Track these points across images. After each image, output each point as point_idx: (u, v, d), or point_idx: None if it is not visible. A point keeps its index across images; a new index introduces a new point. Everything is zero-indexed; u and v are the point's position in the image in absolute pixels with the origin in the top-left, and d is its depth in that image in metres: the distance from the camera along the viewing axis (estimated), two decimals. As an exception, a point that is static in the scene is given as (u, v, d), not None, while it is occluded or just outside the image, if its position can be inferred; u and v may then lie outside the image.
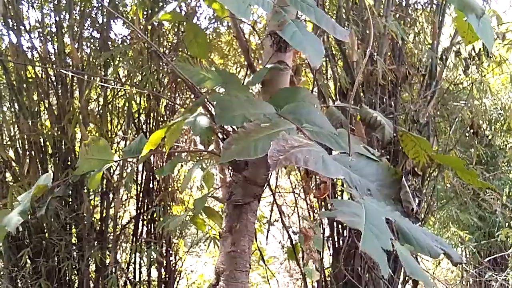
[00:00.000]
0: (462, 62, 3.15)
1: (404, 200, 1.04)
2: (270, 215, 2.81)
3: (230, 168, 1.35)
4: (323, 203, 2.91)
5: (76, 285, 3.31)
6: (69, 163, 3.17)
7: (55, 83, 3.16)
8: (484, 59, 3.14)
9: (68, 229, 3.24)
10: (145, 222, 3.49)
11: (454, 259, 0.96)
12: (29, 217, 2.99)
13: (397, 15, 3.06)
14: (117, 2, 3.14)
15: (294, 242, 1.94)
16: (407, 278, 3.02)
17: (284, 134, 0.92)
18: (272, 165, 0.80)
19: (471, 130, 3.30)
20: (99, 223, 3.32)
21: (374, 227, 0.81)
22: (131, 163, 3.02)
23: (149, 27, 3.24)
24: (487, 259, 4.34)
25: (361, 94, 2.93)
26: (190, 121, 1.14)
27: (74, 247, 3.24)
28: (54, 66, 3.14)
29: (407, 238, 0.90)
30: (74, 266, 3.18)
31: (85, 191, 3.13)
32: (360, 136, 1.44)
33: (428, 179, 3.30)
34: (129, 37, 3.26)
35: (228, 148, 0.96)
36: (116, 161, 1.35)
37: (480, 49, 3.02)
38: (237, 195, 1.31)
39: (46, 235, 3.14)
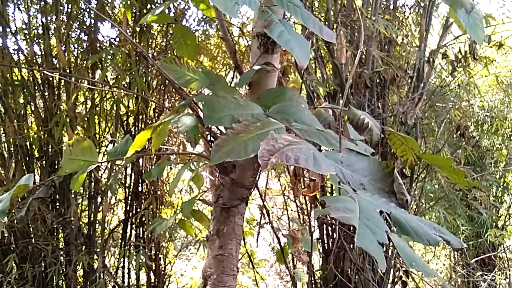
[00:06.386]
0: (449, 64, 3.18)
1: (398, 192, 1.04)
2: (260, 218, 2.80)
3: (218, 170, 1.34)
4: (313, 204, 2.91)
5: (63, 290, 3.26)
6: (56, 166, 3.13)
7: (41, 86, 3.12)
8: (470, 61, 3.17)
9: (55, 233, 3.19)
10: (134, 226, 3.46)
11: (454, 244, 0.95)
12: (15, 222, 2.95)
13: (385, 18, 3.08)
14: (104, 4, 3.11)
15: (283, 245, 1.93)
16: (396, 279, 3.03)
17: (273, 134, 0.91)
18: (263, 165, 0.79)
19: (458, 132, 3.33)
20: (87, 227, 3.28)
21: (369, 221, 0.81)
22: (120, 166, 2.99)
23: (138, 29, 3.22)
24: (475, 259, 4.38)
25: (350, 96, 2.94)
26: (175, 120, 1.13)
27: (61, 252, 3.19)
28: (41, 68, 3.10)
29: (404, 228, 0.89)
30: (61, 271, 3.13)
31: (72, 195, 3.09)
32: (348, 137, 1.43)
33: (417, 180, 3.32)
34: (117, 39, 3.23)
35: (218, 150, 0.95)
36: (101, 163, 1.32)
37: (466, 51, 3.05)
38: (224, 198, 1.30)
39: (33, 240, 3.09)
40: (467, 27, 1.08)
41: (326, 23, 2.83)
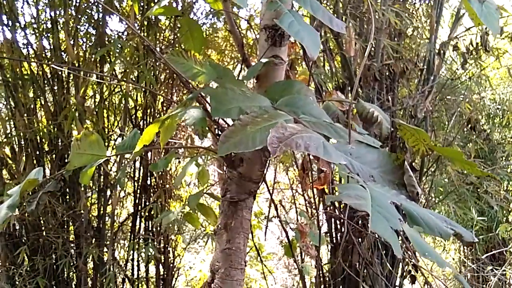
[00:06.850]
0: (460, 56, 3.13)
1: (408, 184, 1.03)
2: (269, 212, 2.80)
3: (225, 164, 1.34)
4: (321, 198, 2.90)
5: (74, 282, 3.30)
6: (65, 160, 3.15)
7: (51, 80, 3.14)
8: (482, 53, 3.12)
9: (65, 226, 3.22)
10: (143, 219, 3.48)
11: (465, 238, 0.94)
12: (26, 215, 2.98)
13: (396, 6, 3.03)
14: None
15: (291, 239, 1.93)
16: (404, 273, 3.02)
17: (282, 122, 0.90)
18: (272, 151, 0.79)
19: (469, 125, 3.29)
20: (97, 220, 3.31)
21: (382, 209, 0.80)
22: (128, 160, 3.00)
23: (145, 23, 3.22)
24: (486, 255, 4.34)
25: (359, 88, 2.92)
26: (183, 113, 1.12)
27: (72, 245, 3.23)
28: (50, 62, 3.12)
29: (415, 220, 0.88)
30: (71, 264, 3.17)
31: (82, 188, 3.11)
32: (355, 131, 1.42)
33: (426, 174, 3.29)
34: (125, 33, 3.24)
35: (225, 141, 0.94)
36: (108, 157, 1.32)
37: (477, 43, 3.00)
38: (232, 192, 1.30)
39: (43, 232, 3.13)
40: (481, 17, 1.05)
41: (335, 15, 2.79)
